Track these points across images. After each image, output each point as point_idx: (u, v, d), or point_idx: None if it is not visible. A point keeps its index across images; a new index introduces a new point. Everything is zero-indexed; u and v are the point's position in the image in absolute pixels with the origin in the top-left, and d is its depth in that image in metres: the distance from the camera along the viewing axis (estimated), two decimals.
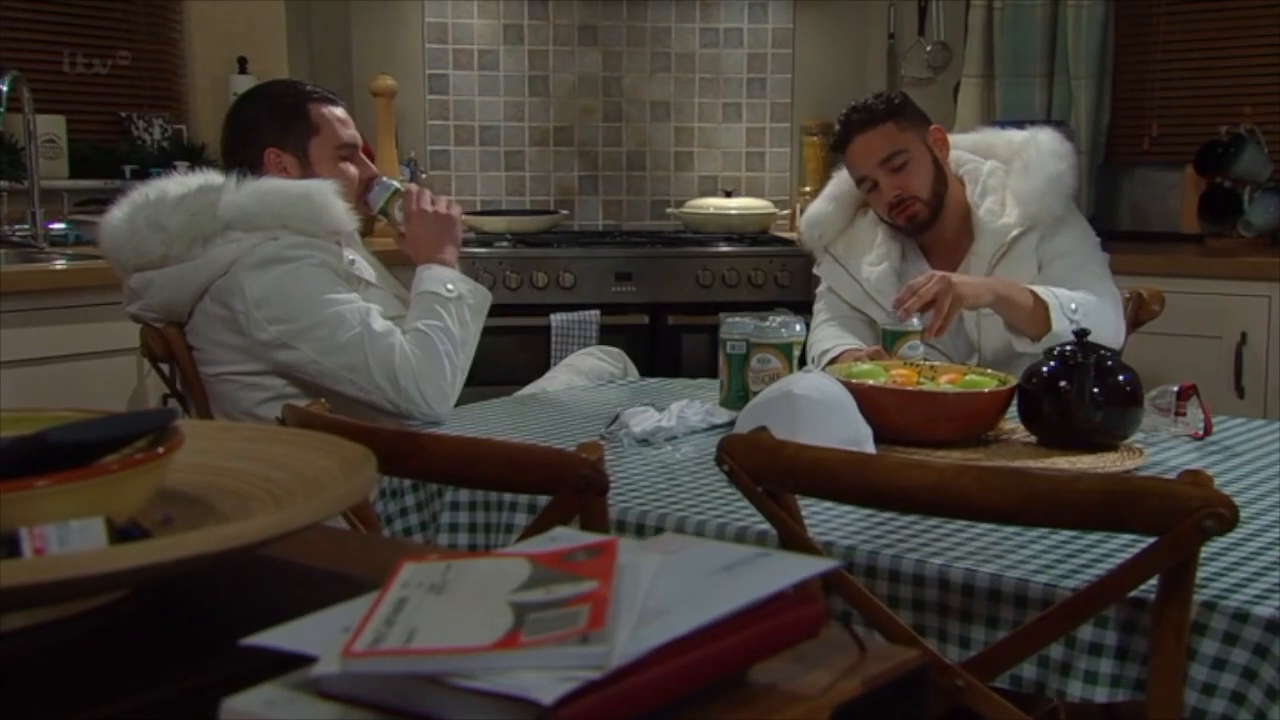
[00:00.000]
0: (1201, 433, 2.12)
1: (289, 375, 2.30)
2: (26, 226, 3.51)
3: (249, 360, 2.30)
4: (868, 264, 2.70)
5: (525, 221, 4.20)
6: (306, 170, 2.43)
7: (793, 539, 1.48)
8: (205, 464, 0.86)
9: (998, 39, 4.30)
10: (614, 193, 4.59)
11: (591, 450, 1.39)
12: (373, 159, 4.20)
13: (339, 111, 2.50)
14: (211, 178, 2.34)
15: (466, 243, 3.90)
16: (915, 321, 2.36)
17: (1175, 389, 2.15)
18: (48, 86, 3.84)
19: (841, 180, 2.81)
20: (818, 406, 1.86)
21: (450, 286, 2.38)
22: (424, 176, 4.39)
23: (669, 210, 4.41)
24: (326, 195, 2.33)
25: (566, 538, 0.71)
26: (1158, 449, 2.05)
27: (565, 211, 4.44)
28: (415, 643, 0.56)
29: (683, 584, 0.66)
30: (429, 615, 0.59)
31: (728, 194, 4.35)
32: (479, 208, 4.48)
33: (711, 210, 4.26)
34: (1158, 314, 2.90)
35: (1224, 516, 1.24)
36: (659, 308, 3.80)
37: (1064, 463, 1.89)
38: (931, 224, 2.65)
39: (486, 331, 3.68)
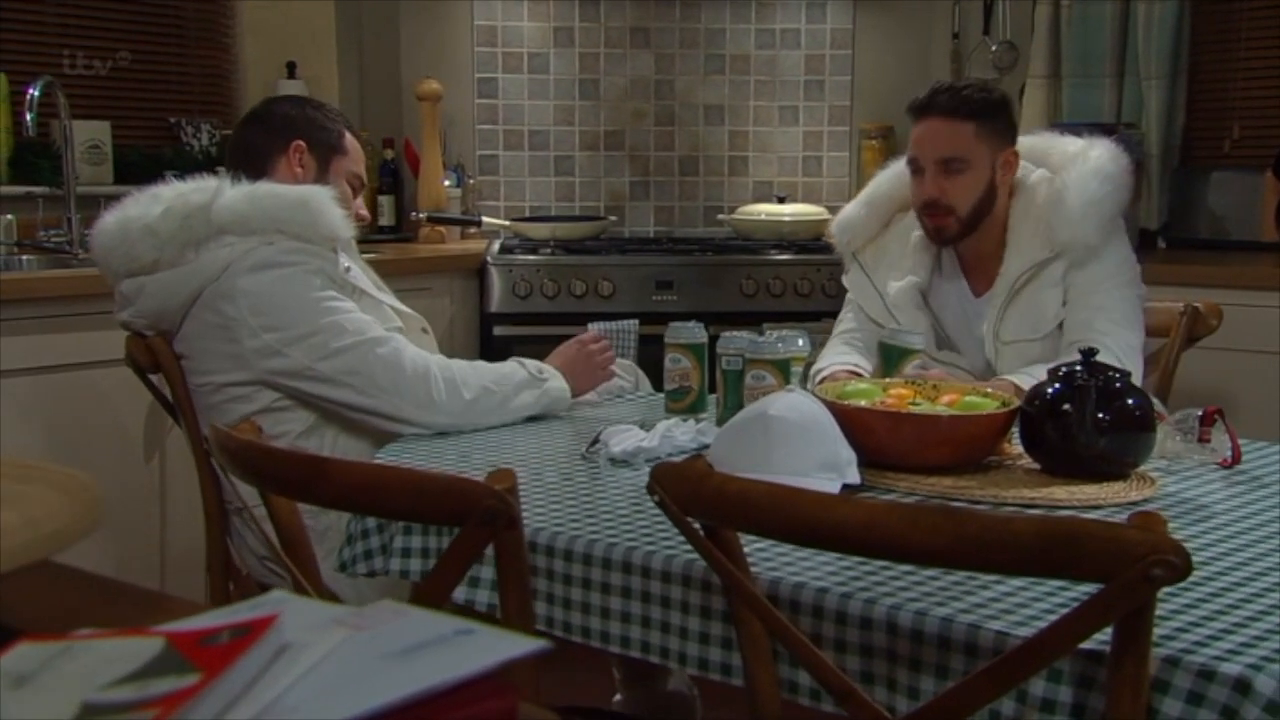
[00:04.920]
0: (1230, 460, 1.97)
1: (280, 387, 2.24)
2: (63, 232, 3.50)
3: (240, 370, 2.24)
4: (892, 278, 2.57)
5: (570, 228, 4.11)
6: (321, 178, 2.42)
7: (726, 578, 1.37)
8: None
9: (1065, 37, 4.12)
10: (665, 199, 4.49)
11: (501, 479, 1.29)
12: (417, 164, 4.17)
13: (361, 150, 2.55)
14: (205, 182, 2.29)
15: (509, 249, 3.83)
16: (917, 340, 2.23)
17: (1199, 412, 2.00)
18: (98, 91, 3.85)
19: (880, 183, 2.67)
20: (794, 428, 1.75)
21: (545, 375, 2.33)
22: (471, 182, 4.34)
23: (720, 217, 4.30)
24: (323, 201, 2.28)
25: (240, 611, 0.62)
26: (1177, 478, 1.90)
27: (614, 218, 4.34)
28: None
29: (342, 673, 0.56)
30: None
31: (781, 200, 4.22)
32: (528, 214, 4.41)
33: (763, 217, 4.12)
34: (1215, 329, 2.72)
35: (1174, 565, 1.11)
36: (700, 318, 3.66)
37: (1062, 492, 1.76)
38: (957, 241, 2.50)
39: (522, 340, 3.63)
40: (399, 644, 0.59)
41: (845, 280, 2.70)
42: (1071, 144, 2.55)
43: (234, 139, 2.51)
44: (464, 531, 1.30)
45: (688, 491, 1.34)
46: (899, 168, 2.64)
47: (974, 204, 2.44)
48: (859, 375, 2.39)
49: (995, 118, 2.46)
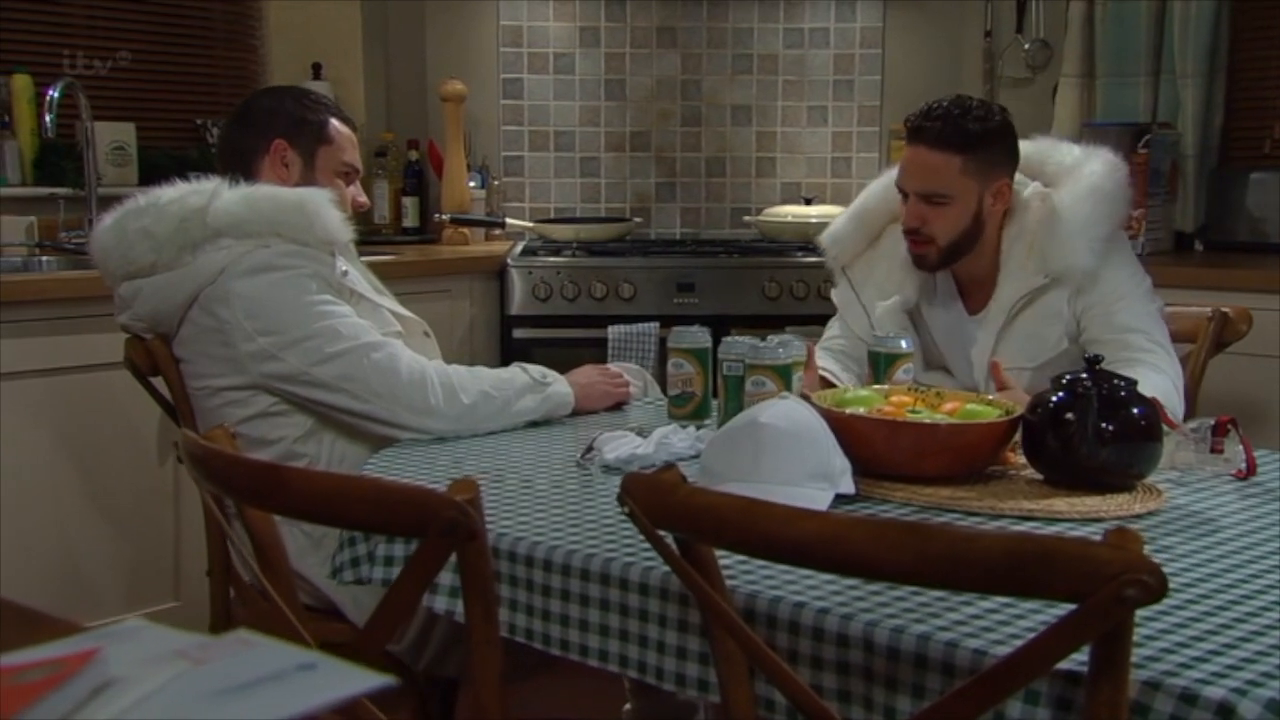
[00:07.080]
0: (1245, 471, 1.90)
1: (275, 391, 2.21)
2: (83, 233, 3.51)
3: (236, 374, 2.22)
4: (879, 297, 2.48)
5: (594, 229, 4.07)
6: (308, 173, 2.38)
7: (696, 593, 1.33)
8: None
9: (1099, 35, 4.04)
10: (692, 200, 4.44)
11: (462, 489, 1.26)
12: (440, 165, 4.15)
13: (352, 135, 2.47)
14: (203, 184, 2.27)
15: (532, 251, 3.80)
16: (905, 344, 2.17)
17: (1212, 422, 1.93)
18: (123, 93, 3.86)
19: (870, 195, 2.58)
20: (785, 436, 1.70)
21: (548, 379, 2.31)
22: (496, 183, 4.31)
23: (745, 218, 4.25)
24: (321, 204, 2.26)
25: (76, 643, 0.59)
26: (1188, 490, 1.84)
27: (640, 219, 4.30)
28: None
29: (164, 712, 0.53)
30: None
31: (807, 201, 4.16)
32: (553, 215, 4.38)
33: (789, 218, 4.07)
34: (1245, 334, 2.65)
35: (1148, 585, 1.05)
36: (721, 321, 3.62)
37: (1063, 504, 1.70)
38: (938, 269, 2.40)
39: (542, 342, 3.60)
40: (233, 680, 0.55)
41: (833, 295, 2.63)
42: (1068, 154, 2.44)
43: (220, 140, 2.49)
44: (424, 543, 1.26)
45: (657, 503, 1.30)
46: (890, 178, 2.54)
47: (955, 237, 2.33)
48: (830, 384, 2.36)
49: (990, 148, 2.31)
